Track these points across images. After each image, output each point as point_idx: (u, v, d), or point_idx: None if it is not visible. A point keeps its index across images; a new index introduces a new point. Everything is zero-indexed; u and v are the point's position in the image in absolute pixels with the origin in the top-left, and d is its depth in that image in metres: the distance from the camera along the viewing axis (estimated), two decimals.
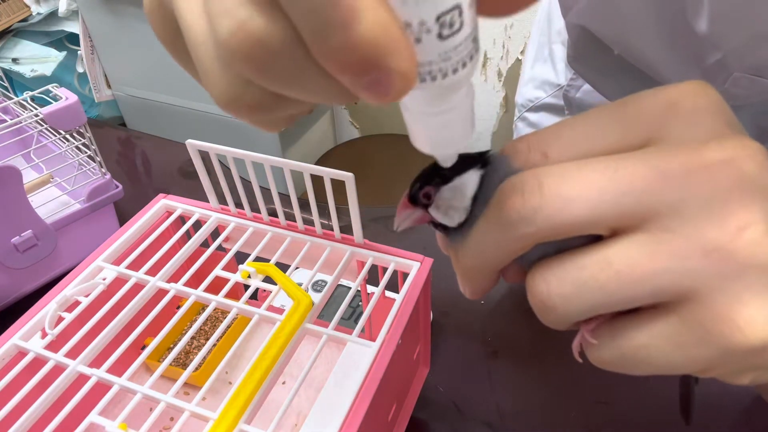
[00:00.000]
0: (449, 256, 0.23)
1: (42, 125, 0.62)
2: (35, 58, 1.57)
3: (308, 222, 0.44)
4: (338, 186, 0.38)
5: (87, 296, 0.40)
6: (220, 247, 0.45)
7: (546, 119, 0.77)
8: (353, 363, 0.35)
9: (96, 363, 0.36)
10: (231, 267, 0.42)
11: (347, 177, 0.37)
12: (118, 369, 0.35)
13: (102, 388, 0.34)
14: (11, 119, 0.60)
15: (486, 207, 0.19)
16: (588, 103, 0.65)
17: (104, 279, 0.41)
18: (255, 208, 0.46)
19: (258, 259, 0.42)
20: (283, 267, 0.41)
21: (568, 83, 0.67)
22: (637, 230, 0.17)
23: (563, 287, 0.18)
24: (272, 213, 0.45)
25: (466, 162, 0.20)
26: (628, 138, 0.17)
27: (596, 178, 0.16)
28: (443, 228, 0.22)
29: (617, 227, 0.17)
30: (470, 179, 0.20)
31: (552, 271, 0.18)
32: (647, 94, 0.18)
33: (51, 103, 0.58)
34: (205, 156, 0.43)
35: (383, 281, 0.40)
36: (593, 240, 0.18)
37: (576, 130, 0.18)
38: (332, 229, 0.43)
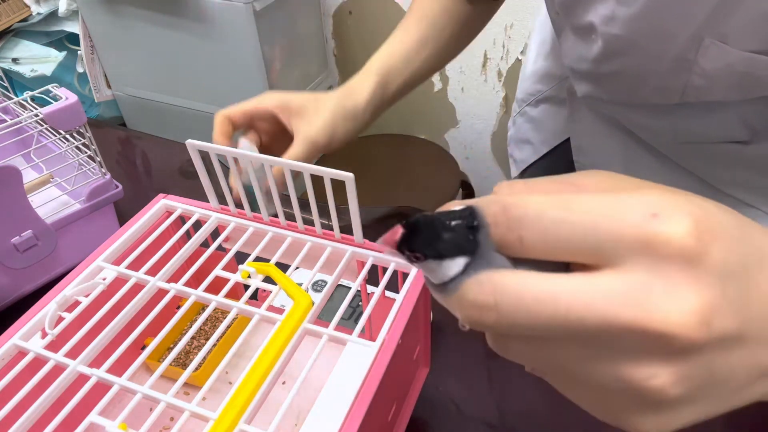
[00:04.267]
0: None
1: (42, 125, 0.62)
2: (35, 58, 1.57)
3: (308, 222, 0.44)
4: (338, 186, 0.38)
5: (87, 296, 0.40)
6: (220, 247, 0.45)
7: (547, 113, 0.77)
8: (353, 363, 0.35)
9: (96, 363, 0.36)
10: (231, 267, 0.42)
11: (347, 177, 0.37)
12: (118, 369, 0.35)
13: (102, 388, 0.34)
14: (11, 119, 0.60)
15: (459, 285, 0.21)
16: (580, 97, 0.65)
17: (104, 279, 0.41)
18: (255, 208, 0.46)
19: (258, 259, 0.42)
20: (283, 267, 0.41)
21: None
22: (574, 342, 0.20)
23: (516, 357, 0.23)
24: (272, 213, 0.45)
25: (450, 231, 0.21)
26: (597, 257, 0.19)
27: (548, 309, 0.19)
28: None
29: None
30: (456, 265, 0.21)
31: (507, 345, 0.23)
32: (637, 215, 0.19)
33: (51, 103, 0.58)
34: (205, 156, 0.43)
35: (383, 281, 0.40)
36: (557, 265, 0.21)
37: (556, 231, 0.19)
38: (332, 229, 0.43)
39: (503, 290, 0.20)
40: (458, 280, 0.21)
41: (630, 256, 0.18)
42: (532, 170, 0.82)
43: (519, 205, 0.20)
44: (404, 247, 0.22)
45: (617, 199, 0.19)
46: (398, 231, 0.22)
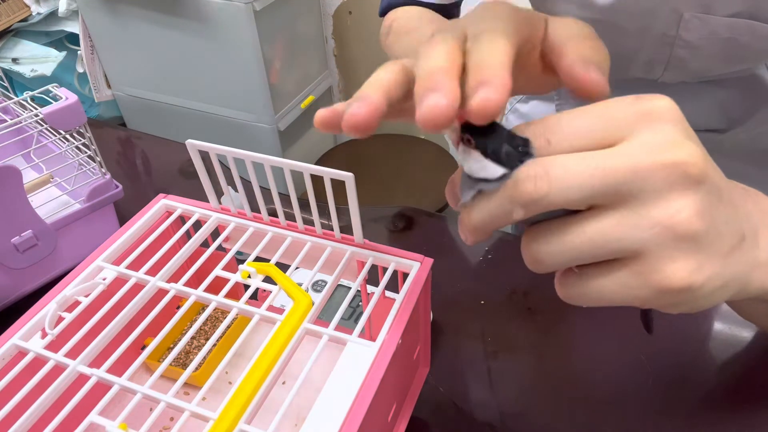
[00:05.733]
0: (456, 207, 0.28)
1: (42, 125, 0.62)
2: (35, 58, 1.57)
3: (308, 222, 0.44)
4: (338, 186, 0.38)
5: (87, 296, 0.40)
6: (220, 247, 0.45)
7: (537, 108, 0.78)
8: (353, 363, 0.35)
9: (96, 363, 0.36)
10: (231, 267, 0.42)
11: (347, 177, 0.37)
12: (118, 369, 0.35)
13: (102, 388, 0.34)
14: (11, 119, 0.60)
15: (503, 184, 0.24)
16: (566, 91, 0.66)
17: (104, 279, 0.41)
18: (255, 208, 0.46)
19: (258, 259, 0.42)
20: (283, 267, 0.41)
21: None
22: (607, 208, 0.23)
23: (550, 248, 0.25)
24: (272, 213, 0.45)
25: (509, 146, 0.24)
26: (609, 135, 0.24)
27: (587, 170, 0.23)
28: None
29: (595, 204, 0.24)
30: (497, 171, 0.24)
31: (543, 235, 0.25)
32: (628, 101, 0.24)
33: (51, 103, 0.58)
34: (205, 156, 0.43)
35: (383, 281, 0.40)
36: (573, 211, 0.24)
37: (571, 124, 0.24)
38: (332, 229, 0.43)
39: (551, 163, 0.23)
40: (498, 182, 0.24)
41: (633, 127, 0.23)
42: None
43: (540, 120, 0.25)
44: (468, 130, 0.25)
45: (609, 100, 0.25)
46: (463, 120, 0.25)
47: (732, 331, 0.55)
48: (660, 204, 0.22)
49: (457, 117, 0.24)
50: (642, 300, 0.24)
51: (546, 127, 0.24)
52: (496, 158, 0.24)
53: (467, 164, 0.25)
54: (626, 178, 0.22)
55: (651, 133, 0.23)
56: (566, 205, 0.24)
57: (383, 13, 0.60)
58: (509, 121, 0.84)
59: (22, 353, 0.37)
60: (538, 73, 0.31)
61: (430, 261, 0.41)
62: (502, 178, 0.24)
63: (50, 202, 0.61)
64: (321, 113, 0.28)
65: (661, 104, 0.24)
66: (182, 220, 0.47)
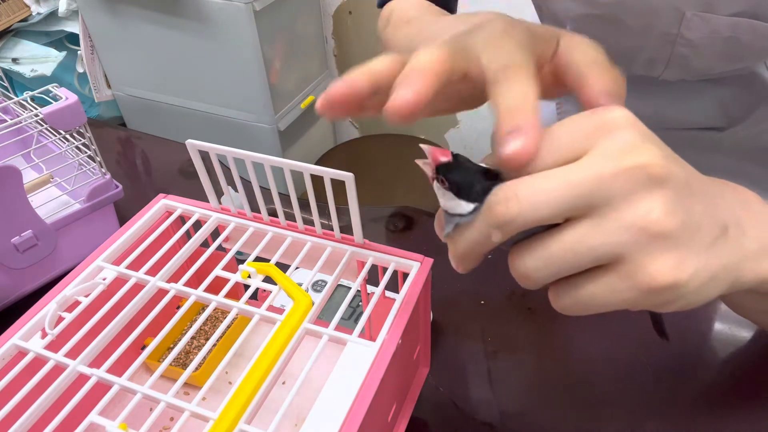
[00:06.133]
0: (445, 242, 0.29)
1: (42, 125, 0.62)
2: (35, 58, 1.57)
3: (308, 222, 0.44)
4: (338, 186, 0.38)
5: (87, 296, 0.40)
6: (220, 247, 0.45)
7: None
8: (353, 363, 0.35)
9: (96, 363, 0.36)
10: (231, 267, 0.42)
11: (347, 177, 0.37)
12: (118, 369, 0.35)
13: (102, 388, 0.34)
14: (11, 119, 0.60)
15: (479, 212, 0.26)
16: None
17: (104, 279, 0.41)
18: (255, 208, 0.46)
19: (258, 259, 0.42)
20: (283, 267, 0.41)
21: None
22: (582, 218, 0.24)
23: (535, 263, 0.25)
24: (272, 213, 0.45)
25: (480, 183, 0.26)
26: (573, 150, 0.25)
27: (553, 186, 0.24)
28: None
29: (569, 216, 0.24)
30: (466, 207, 0.26)
31: (526, 252, 0.26)
32: (585, 116, 0.25)
33: (51, 103, 0.58)
34: (205, 156, 0.43)
35: (383, 281, 0.40)
36: (552, 225, 0.25)
37: (540, 147, 0.25)
38: (332, 229, 0.43)
39: (518, 184, 0.24)
40: (473, 213, 0.26)
41: (593, 139, 0.24)
42: None
43: None
44: (442, 171, 0.27)
45: (567, 119, 0.25)
46: (448, 156, 0.27)
47: (732, 330, 0.55)
48: (630, 207, 0.23)
49: (432, 157, 0.26)
50: (632, 302, 0.25)
51: None
52: (467, 197, 0.26)
53: (442, 202, 0.27)
54: (592, 188, 0.23)
55: (610, 142, 0.24)
56: (540, 222, 0.24)
57: (381, 4, 0.60)
58: None
59: (22, 353, 0.37)
60: (545, 86, 0.31)
61: (430, 261, 0.41)
62: (474, 211, 0.26)
63: (50, 202, 0.61)
64: (334, 91, 0.28)
65: (616, 114, 0.25)
66: (182, 220, 0.47)
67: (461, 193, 0.26)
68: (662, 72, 0.53)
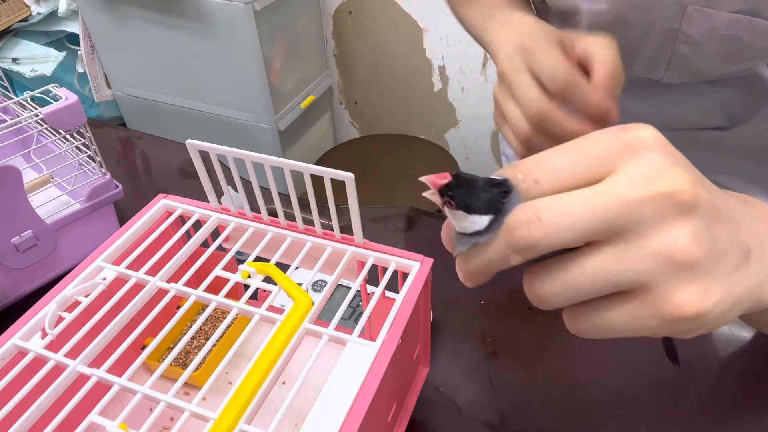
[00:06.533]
0: (453, 254, 0.28)
1: (42, 125, 0.62)
2: (35, 58, 1.57)
3: (308, 222, 0.44)
4: (338, 186, 0.38)
5: (87, 296, 0.40)
6: (220, 247, 0.45)
7: None
8: (353, 363, 0.35)
9: (96, 363, 0.36)
10: (231, 267, 0.42)
11: (347, 177, 0.37)
12: (118, 369, 0.35)
13: (102, 388, 0.34)
14: (11, 119, 0.60)
15: (496, 233, 0.25)
16: None
17: (104, 279, 0.41)
18: (255, 208, 0.46)
19: (258, 259, 0.42)
20: (283, 267, 0.41)
21: None
22: (605, 242, 0.23)
23: (553, 286, 0.25)
24: (272, 213, 0.45)
25: (487, 193, 0.25)
26: (597, 170, 0.24)
27: (577, 210, 0.23)
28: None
29: (591, 241, 0.24)
30: (483, 221, 0.25)
31: (544, 275, 0.25)
32: (611, 133, 0.24)
33: (51, 103, 0.58)
34: (205, 156, 0.43)
35: (383, 281, 0.40)
36: (571, 248, 0.24)
37: (557, 162, 0.24)
38: (332, 229, 0.43)
39: (540, 206, 0.23)
40: (489, 231, 0.25)
41: (619, 160, 0.23)
42: None
43: (526, 160, 0.25)
44: (446, 193, 0.26)
45: (592, 134, 0.25)
46: (446, 177, 0.26)
47: (732, 331, 0.55)
48: (656, 235, 0.22)
49: (432, 184, 0.26)
50: (653, 330, 0.24)
51: (532, 167, 0.25)
52: (479, 210, 0.25)
53: (456, 224, 0.26)
54: (618, 213, 0.22)
55: (637, 164, 0.23)
56: (562, 246, 0.24)
57: None
58: None
59: (22, 353, 0.37)
60: None
61: (430, 261, 0.41)
62: (492, 224, 0.25)
63: (50, 202, 0.61)
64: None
65: (644, 134, 0.24)
66: (182, 220, 0.47)
67: (471, 207, 0.25)
68: (663, 74, 0.53)
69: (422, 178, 0.26)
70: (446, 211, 0.26)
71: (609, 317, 0.24)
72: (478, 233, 0.26)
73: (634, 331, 0.24)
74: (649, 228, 0.22)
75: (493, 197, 0.25)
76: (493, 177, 0.26)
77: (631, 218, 0.22)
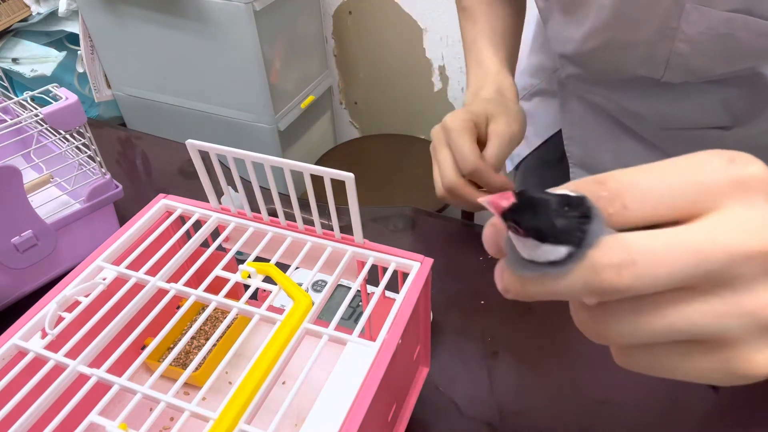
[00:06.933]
0: (500, 257, 0.25)
1: (42, 125, 0.62)
2: (35, 58, 1.57)
3: (308, 222, 0.44)
4: (338, 186, 0.38)
5: (87, 296, 0.40)
6: (220, 247, 0.45)
7: (540, 105, 0.78)
8: (353, 363, 0.35)
9: (96, 363, 0.36)
10: (231, 267, 0.42)
11: (347, 177, 0.37)
12: (118, 369, 0.35)
13: (102, 388, 0.34)
14: (11, 119, 0.59)
15: (574, 266, 0.21)
16: (571, 87, 0.66)
17: (104, 279, 0.41)
18: (255, 208, 0.46)
19: (258, 259, 0.42)
20: (283, 267, 0.41)
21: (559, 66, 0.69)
22: (692, 291, 0.21)
23: (622, 328, 0.22)
24: (272, 213, 0.45)
25: (563, 217, 0.21)
26: (698, 204, 0.21)
27: (679, 256, 0.20)
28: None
29: (680, 287, 0.21)
30: (560, 251, 0.21)
31: (614, 315, 0.22)
32: (720, 164, 0.21)
33: (51, 103, 0.58)
34: (205, 156, 0.43)
35: (383, 281, 0.40)
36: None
37: (653, 188, 0.21)
38: (332, 229, 0.43)
39: (636, 246, 0.20)
40: (565, 263, 0.21)
41: (725, 197, 0.21)
42: (527, 163, 0.83)
43: (613, 176, 0.22)
44: (511, 217, 0.21)
45: (692, 157, 0.22)
46: (509, 198, 0.21)
47: None
48: (752, 293, 0.21)
49: (494, 208, 0.21)
50: (716, 381, 0.23)
51: (621, 188, 0.22)
52: (554, 240, 0.21)
53: (524, 251, 0.22)
54: (721, 265, 0.20)
55: (747, 209, 0.21)
56: (650, 293, 0.21)
57: None
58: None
59: (22, 353, 0.37)
60: None
61: (430, 261, 0.41)
62: (570, 256, 0.21)
63: (50, 202, 0.61)
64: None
65: (756, 171, 0.21)
66: (182, 220, 0.47)
67: (544, 235, 0.21)
68: (663, 73, 0.53)
69: (481, 200, 0.22)
70: (512, 236, 0.22)
71: (673, 363, 0.23)
72: (552, 264, 0.21)
73: (695, 377, 0.23)
74: (747, 284, 0.21)
75: (571, 224, 0.21)
76: (567, 193, 0.21)
77: (732, 272, 0.20)
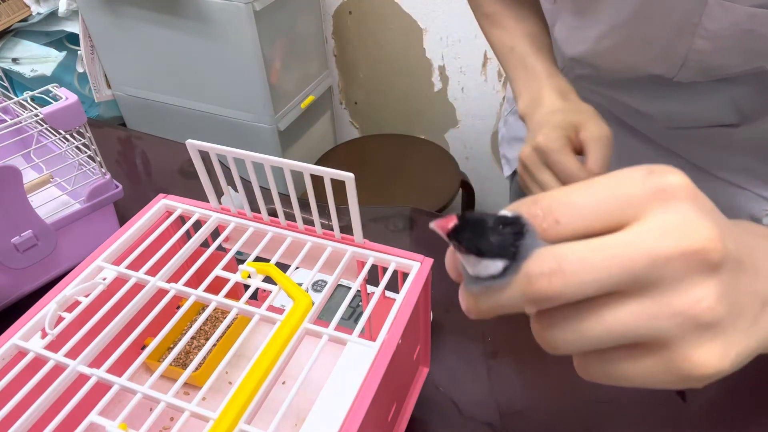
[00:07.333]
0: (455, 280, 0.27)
1: (42, 125, 0.62)
2: (35, 58, 1.57)
3: (308, 222, 0.44)
4: (338, 186, 0.38)
5: (87, 296, 0.40)
6: (220, 247, 0.45)
7: None
8: (353, 363, 0.35)
9: (96, 363, 0.36)
10: (231, 267, 0.42)
11: (347, 177, 0.37)
12: (118, 369, 0.35)
13: (102, 388, 0.34)
14: (11, 119, 0.59)
15: (512, 279, 0.23)
16: (576, 89, 0.66)
17: (104, 279, 0.41)
18: (255, 208, 0.46)
19: (258, 259, 0.42)
20: (283, 267, 0.41)
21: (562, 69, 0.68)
22: (625, 295, 0.22)
23: (566, 335, 0.24)
24: (272, 213, 0.46)
25: (498, 234, 0.23)
26: (623, 214, 0.23)
27: (603, 262, 0.22)
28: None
29: (611, 293, 0.23)
30: (497, 265, 0.23)
31: (557, 323, 0.24)
32: (640, 175, 0.23)
33: (51, 103, 0.58)
34: (205, 156, 0.43)
35: (383, 281, 0.40)
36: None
37: (581, 203, 0.23)
38: (332, 229, 0.43)
39: (563, 255, 0.22)
40: (504, 276, 0.23)
41: (647, 206, 0.22)
42: None
43: (547, 195, 0.24)
44: (453, 237, 0.24)
45: (617, 173, 0.24)
46: (452, 220, 0.24)
47: None
48: (680, 292, 0.22)
49: (441, 229, 0.24)
50: (668, 384, 0.24)
51: (554, 205, 0.23)
52: (491, 254, 0.23)
53: (469, 268, 0.25)
54: (645, 268, 0.22)
55: (667, 214, 0.22)
56: (582, 298, 0.23)
57: None
58: (509, 123, 0.83)
59: (22, 353, 0.37)
60: None
61: (430, 261, 0.41)
62: (507, 269, 0.23)
63: (50, 202, 0.61)
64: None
65: (675, 180, 0.23)
66: (182, 220, 0.47)
67: (481, 251, 0.23)
68: (678, 71, 0.52)
69: (432, 225, 0.24)
70: (459, 255, 0.25)
71: (623, 369, 0.24)
72: (492, 277, 0.24)
73: (648, 383, 0.24)
74: (675, 284, 0.22)
75: (506, 240, 0.23)
76: (505, 214, 0.24)
77: (657, 273, 0.22)
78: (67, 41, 1.65)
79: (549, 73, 0.58)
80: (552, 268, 0.22)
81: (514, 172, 0.84)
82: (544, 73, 0.58)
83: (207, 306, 0.39)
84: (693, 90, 0.55)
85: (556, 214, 0.23)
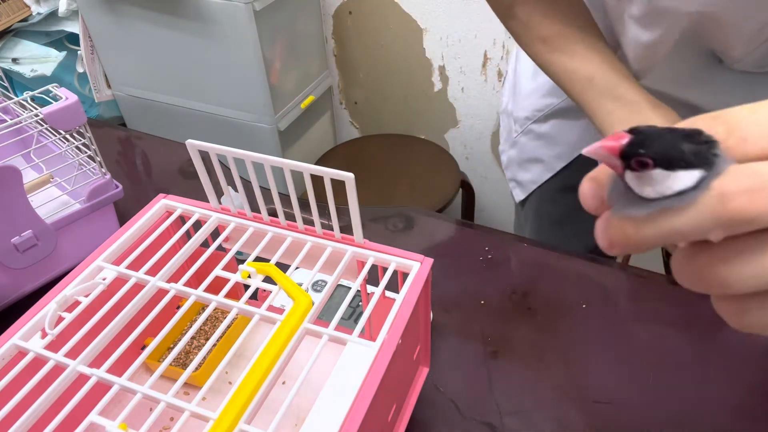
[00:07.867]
0: (593, 212, 0.24)
1: (42, 125, 0.62)
2: (35, 58, 1.57)
3: (308, 222, 0.44)
4: (338, 186, 0.38)
5: (87, 296, 0.40)
6: (220, 247, 0.45)
7: (561, 126, 0.72)
8: (353, 363, 0.35)
9: (96, 363, 0.36)
10: (231, 267, 0.42)
11: (347, 177, 0.37)
12: (118, 369, 0.35)
13: (102, 388, 0.34)
14: (11, 119, 0.59)
15: (700, 196, 0.20)
16: None
17: (104, 279, 0.41)
18: (255, 208, 0.46)
19: (258, 259, 0.42)
20: (283, 267, 0.41)
21: None
22: None
23: (744, 270, 0.20)
24: (272, 213, 0.46)
25: (689, 144, 0.20)
26: None
27: None
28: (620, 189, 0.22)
29: None
30: (689, 178, 0.20)
31: (735, 255, 0.20)
32: None
33: (51, 103, 0.58)
34: (205, 156, 0.43)
35: (383, 281, 0.40)
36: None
37: None
38: (332, 229, 0.43)
39: (767, 173, 0.19)
40: (696, 190, 0.20)
41: None
42: (546, 187, 0.77)
43: (728, 111, 0.21)
44: (633, 153, 0.20)
45: None
46: (623, 136, 0.21)
47: (733, 331, 0.55)
48: None
49: (611, 150, 0.21)
50: None
51: (740, 121, 0.21)
52: (685, 164, 0.20)
53: (648, 190, 0.21)
54: None
55: None
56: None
57: None
58: (521, 145, 0.78)
59: (22, 353, 0.37)
60: None
61: (430, 261, 0.41)
62: (700, 183, 0.20)
63: (50, 202, 0.61)
64: None
65: None
66: (182, 220, 0.47)
67: (673, 162, 0.20)
68: (753, 50, 0.49)
69: (587, 151, 0.21)
70: (629, 176, 0.21)
71: None
72: (677, 195, 0.20)
73: None
74: None
75: (701, 149, 0.20)
76: (679, 127, 0.21)
77: None
78: (67, 41, 1.65)
79: (652, 104, 0.50)
80: (756, 183, 0.19)
81: (527, 197, 0.79)
82: (647, 105, 0.50)
83: (207, 306, 0.39)
84: (742, 80, 0.52)
85: (743, 130, 0.20)
